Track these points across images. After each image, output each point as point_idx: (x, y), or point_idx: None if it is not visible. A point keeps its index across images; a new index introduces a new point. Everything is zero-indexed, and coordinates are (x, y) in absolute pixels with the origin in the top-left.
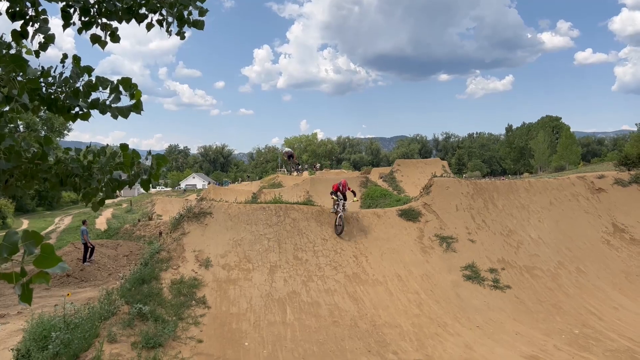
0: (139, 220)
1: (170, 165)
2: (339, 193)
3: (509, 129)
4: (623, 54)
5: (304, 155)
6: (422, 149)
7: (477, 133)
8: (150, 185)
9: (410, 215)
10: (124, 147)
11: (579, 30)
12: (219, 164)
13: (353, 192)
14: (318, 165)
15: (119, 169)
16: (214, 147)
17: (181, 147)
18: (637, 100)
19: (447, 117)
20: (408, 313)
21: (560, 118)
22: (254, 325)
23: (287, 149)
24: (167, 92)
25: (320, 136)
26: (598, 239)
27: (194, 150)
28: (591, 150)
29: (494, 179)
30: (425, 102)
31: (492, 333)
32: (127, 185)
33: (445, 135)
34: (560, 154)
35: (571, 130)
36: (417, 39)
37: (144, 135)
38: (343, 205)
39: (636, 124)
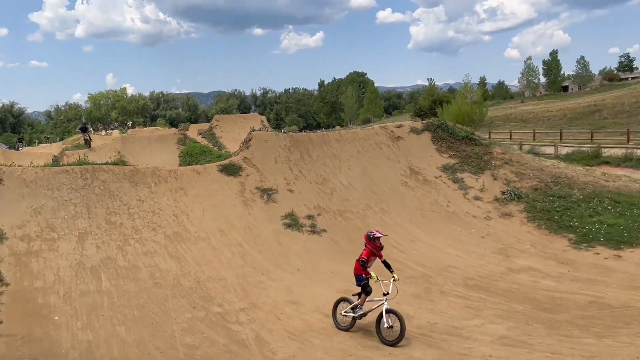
0: None
1: None
2: (371, 262)
3: (321, 84)
4: (417, 14)
5: (113, 113)
6: (240, 104)
7: (293, 88)
8: None
9: (231, 170)
10: None
11: None
12: (8, 125)
13: (386, 263)
14: (129, 123)
15: None
16: (0, 105)
17: None
18: (429, 58)
19: (264, 72)
20: (232, 265)
21: (366, 74)
22: (64, 298)
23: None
24: None
25: (131, 91)
26: (398, 182)
27: None
28: (393, 103)
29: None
30: (242, 56)
31: (310, 274)
32: None
33: (263, 91)
34: (366, 107)
35: (375, 85)
36: None
37: None
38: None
39: (428, 79)
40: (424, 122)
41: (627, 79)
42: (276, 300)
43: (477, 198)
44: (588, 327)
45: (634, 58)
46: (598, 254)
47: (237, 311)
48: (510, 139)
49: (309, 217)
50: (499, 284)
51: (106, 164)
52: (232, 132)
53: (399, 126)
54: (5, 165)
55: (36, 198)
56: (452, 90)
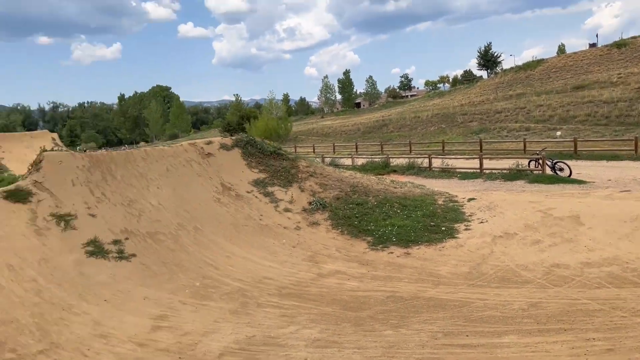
0: None
1: None
2: None
3: (121, 98)
4: (219, 30)
5: None
6: (25, 120)
7: (88, 102)
8: None
9: (19, 197)
10: None
11: (179, 3)
12: None
13: None
14: None
15: None
16: None
17: None
18: (234, 73)
19: (52, 84)
20: (25, 304)
21: (170, 88)
22: None
23: None
24: None
25: None
26: (211, 199)
27: None
28: (200, 119)
29: (111, 150)
30: (25, 67)
31: (120, 304)
32: None
33: (52, 105)
34: (172, 122)
35: (181, 99)
36: None
37: None
38: None
39: (234, 95)
40: (233, 138)
41: (407, 96)
42: (81, 336)
43: (287, 210)
44: (387, 320)
45: (412, 78)
46: (392, 253)
47: (34, 354)
48: (314, 152)
49: (116, 242)
50: (311, 290)
51: None
52: (17, 153)
53: (209, 142)
54: None
55: None
56: (258, 105)
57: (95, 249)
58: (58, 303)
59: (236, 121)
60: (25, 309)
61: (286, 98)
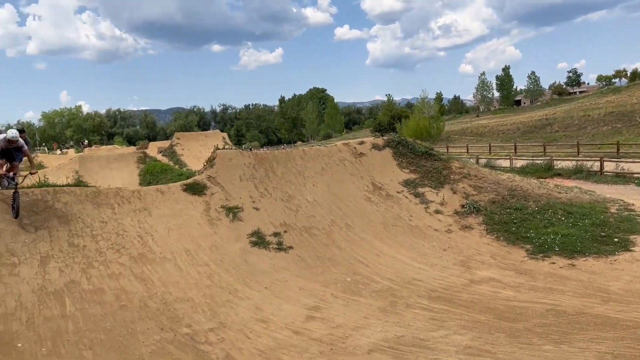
0: None
1: None
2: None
3: (282, 100)
4: (373, 31)
5: (68, 131)
6: (200, 120)
7: (253, 104)
8: None
9: (196, 189)
10: None
11: (336, 7)
12: None
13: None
14: (86, 141)
15: None
16: None
17: None
18: (386, 74)
19: (223, 88)
20: (199, 285)
21: (326, 90)
22: (26, 324)
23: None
24: None
25: (86, 109)
26: (362, 197)
27: None
28: (352, 119)
29: (273, 149)
30: (200, 73)
31: (278, 292)
32: None
33: (222, 107)
34: (327, 123)
35: (335, 101)
36: (186, 7)
37: None
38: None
39: (386, 95)
40: (385, 138)
41: (575, 93)
42: (245, 318)
43: (437, 212)
44: (546, 335)
45: (581, 73)
46: (554, 263)
47: (205, 331)
48: (467, 152)
49: (276, 234)
50: (462, 295)
51: (67, 185)
52: (194, 150)
53: (361, 143)
54: None
55: None
56: (409, 105)
57: (258, 240)
58: (226, 287)
59: (387, 121)
60: (199, 290)
61: (439, 97)
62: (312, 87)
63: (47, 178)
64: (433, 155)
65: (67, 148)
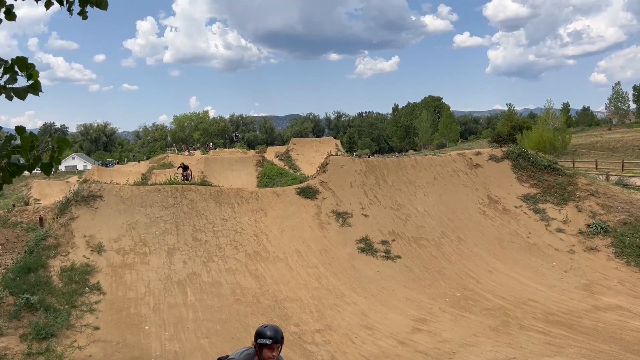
0: (13, 206)
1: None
2: None
3: (395, 108)
4: (495, 38)
5: (195, 134)
6: (315, 127)
7: (366, 112)
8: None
9: (308, 193)
10: (20, 129)
11: (457, 14)
12: (101, 144)
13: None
14: (211, 144)
15: (16, 152)
16: (95, 125)
17: (57, 125)
18: (508, 82)
19: (338, 96)
20: (308, 286)
21: (442, 98)
22: (153, 309)
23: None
24: (39, 65)
25: (212, 114)
26: (475, 210)
27: (72, 129)
28: (468, 128)
29: (384, 157)
30: (317, 81)
31: (385, 300)
32: (27, 170)
33: (336, 114)
34: (441, 132)
35: (451, 109)
36: (307, 17)
37: (12, 112)
38: None
39: (507, 104)
40: (503, 149)
41: None
42: (350, 323)
43: (559, 230)
44: None
45: None
46: None
47: (312, 332)
48: (596, 168)
49: (384, 242)
50: (583, 322)
51: (193, 183)
52: (308, 155)
53: (478, 153)
54: (105, 183)
55: (131, 214)
56: (532, 115)
57: (366, 246)
58: (333, 290)
59: (507, 132)
60: (308, 291)
61: (566, 107)
62: (427, 95)
63: (177, 176)
64: (557, 170)
65: (194, 149)
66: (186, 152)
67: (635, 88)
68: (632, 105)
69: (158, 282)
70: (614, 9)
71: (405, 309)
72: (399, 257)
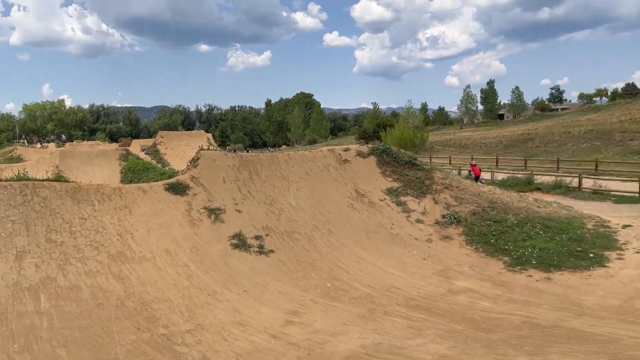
0: None
1: None
2: None
3: (268, 103)
4: (362, 39)
5: (49, 125)
6: (185, 120)
7: (239, 106)
8: None
9: (178, 189)
10: None
11: (327, 13)
12: None
13: None
14: (63, 136)
15: None
16: None
17: None
18: (373, 82)
19: (209, 88)
20: (178, 286)
21: (313, 95)
22: None
23: None
24: None
25: (69, 103)
26: (344, 204)
27: None
28: (338, 125)
29: (257, 151)
30: (187, 72)
31: (258, 295)
32: None
33: (208, 107)
34: (312, 128)
35: (321, 106)
36: (175, 5)
37: None
38: None
39: (372, 103)
40: (369, 146)
41: (557, 109)
42: (223, 321)
43: (419, 221)
44: (521, 346)
45: (564, 90)
46: (530, 276)
47: (183, 332)
48: (450, 164)
49: (257, 237)
50: (440, 305)
51: (47, 180)
52: (177, 149)
53: (346, 149)
54: None
55: None
56: (395, 114)
57: (239, 242)
58: (204, 288)
59: (372, 129)
60: (178, 291)
61: (424, 107)
62: (299, 92)
63: (27, 172)
64: (416, 165)
65: (48, 142)
66: (38, 145)
67: (482, 91)
68: (480, 107)
69: (5, 290)
70: (465, 18)
71: (278, 303)
72: (272, 251)
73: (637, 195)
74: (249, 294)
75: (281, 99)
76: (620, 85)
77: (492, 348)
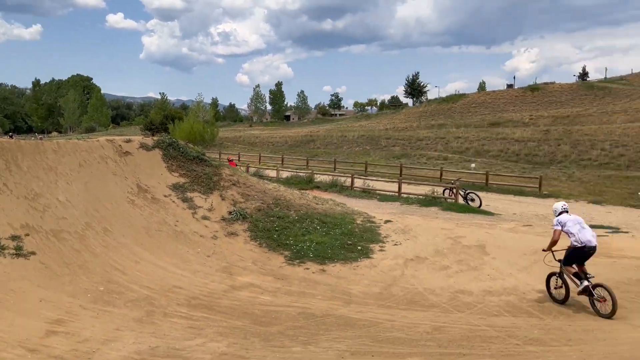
0: None
1: None
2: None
3: (36, 83)
4: (151, 25)
5: None
6: None
7: None
8: None
9: None
10: None
11: None
12: None
13: None
14: None
15: None
16: None
17: None
18: (162, 71)
19: None
20: None
21: (92, 79)
22: None
23: None
24: None
25: None
26: (124, 200)
27: None
28: (121, 114)
29: (19, 137)
30: None
31: (12, 305)
32: None
33: None
34: (90, 115)
35: (102, 92)
36: None
37: None
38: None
39: (160, 93)
40: (155, 138)
41: (336, 115)
42: None
43: (205, 217)
44: (296, 337)
45: (342, 97)
46: (308, 268)
47: None
48: (239, 160)
49: (14, 237)
50: (222, 302)
51: None
52: None
53: (128, 141)
54: None
55: None
56: (184, 107)
57: None
58: None
59: (160, 121)
60: None
61: (215, 102)
62: (75, 74)
63: None
64: (205, 161)
65: None
66: None
67: (271, 92)
68: (269, 107)
69: None
70: (256, 18)
71: (39, 312)
72: (33, 253)
73: (397, 194)
74: (1, 303)
75: (53, 80)
76: (387, 97)
77: (270, 341)
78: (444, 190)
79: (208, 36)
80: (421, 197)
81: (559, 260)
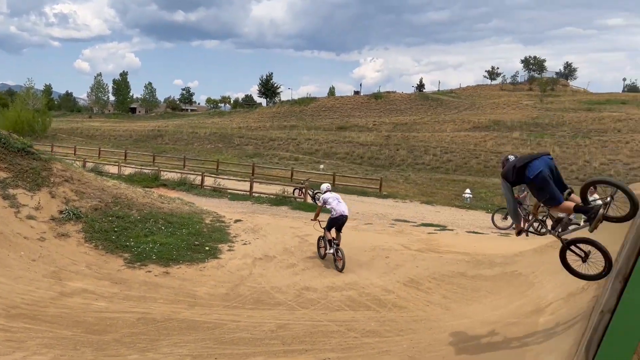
0: None
1: None
2: None
3: None
4: None
5: None
6: None
7: None
8: None
9: None
10: None
11: None
12: None
13: None
14: None
15: None
16: None
17: None
18: None
19: None
20: None
21: None
22: None
23: None
24: None
25: None
26: None
27: None
28: None
29: None
30: None
31: None
32: None
33: None
34: None
35: None
36: None
37: None
38: None
39: None
40: None
41: (187, 110)
42: None
43: (31, 217)
44: (134, 344)
45: (194, 93)
46: (150, 271)
47: None
48: (75, 154)
49: None
50: (48, 310)
51: None
52: None
53: None
54: None
55: None
56: (11, 93)
57: None
58: None
59: None
60: None
61: (48, 89)
62: None
63: None
64: (32, 154)
65: None
66: None
67: (114, 82)
68: (112, 98)
69: None
70: (100, 2)
71: None
72: None
73: (248, 193)
74: None
75: None
76: (241, 95)
77: (104, 350)
78: (294, 190)
79: (42, 16)
80: (272, 196)
81: (324, 228)
